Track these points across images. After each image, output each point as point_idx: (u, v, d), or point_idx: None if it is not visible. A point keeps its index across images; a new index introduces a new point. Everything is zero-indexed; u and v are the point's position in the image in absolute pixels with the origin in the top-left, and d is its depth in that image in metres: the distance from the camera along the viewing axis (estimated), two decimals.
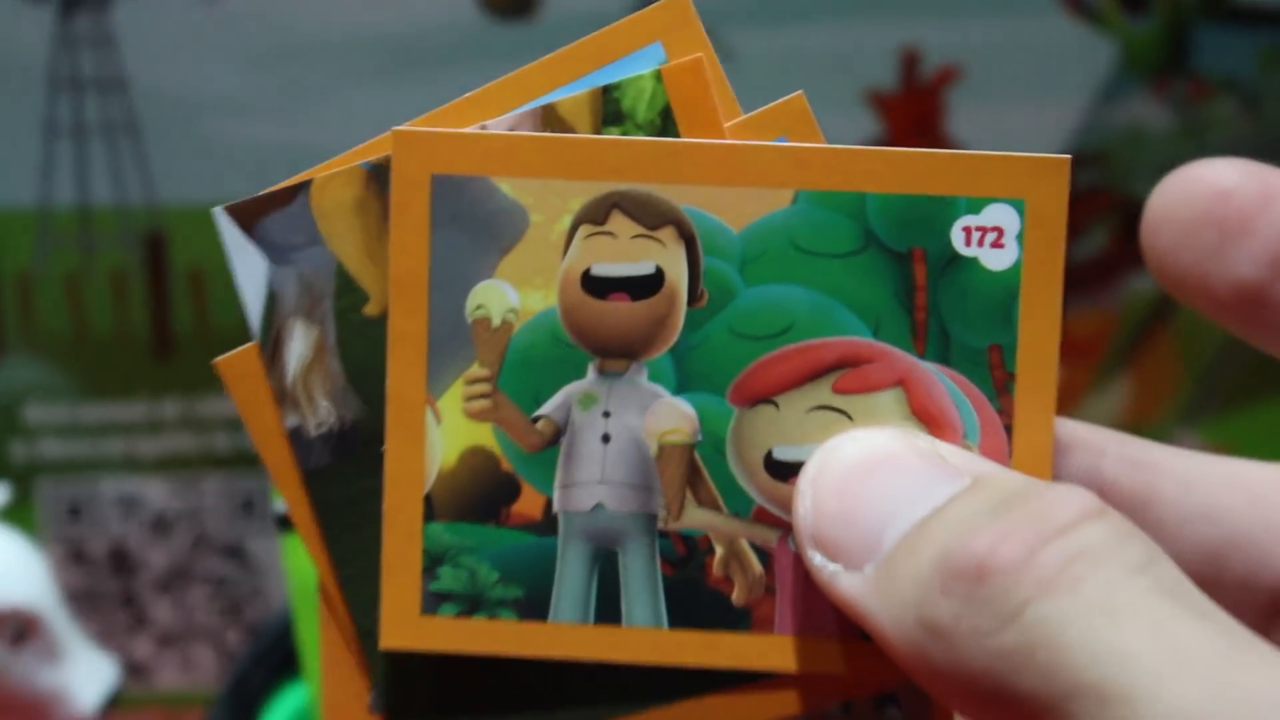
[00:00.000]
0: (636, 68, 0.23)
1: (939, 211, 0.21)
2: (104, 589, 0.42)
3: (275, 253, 0.22)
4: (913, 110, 0.37)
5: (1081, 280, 0.38)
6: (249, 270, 0.23)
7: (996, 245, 0.21)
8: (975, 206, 0.20)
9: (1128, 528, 0.19)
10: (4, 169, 0.37)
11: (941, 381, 0.21)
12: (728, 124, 0.22)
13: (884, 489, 0.20)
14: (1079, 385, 0.38)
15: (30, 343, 0.39)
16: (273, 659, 0.40)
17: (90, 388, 0.41)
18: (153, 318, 0.40)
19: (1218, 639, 0.18)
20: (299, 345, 0.23)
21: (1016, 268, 0.21)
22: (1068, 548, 0.19)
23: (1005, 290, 0.21)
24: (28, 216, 0.37)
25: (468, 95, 0.23)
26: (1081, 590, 0.18)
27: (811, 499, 0.21)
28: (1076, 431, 0.23)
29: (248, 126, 0.38)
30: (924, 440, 0.21)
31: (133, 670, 0.43)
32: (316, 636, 0.24)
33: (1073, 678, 0.18)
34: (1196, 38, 0.36)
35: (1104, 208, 0.36)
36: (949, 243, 0.21)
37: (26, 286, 0.39)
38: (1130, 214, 0.36)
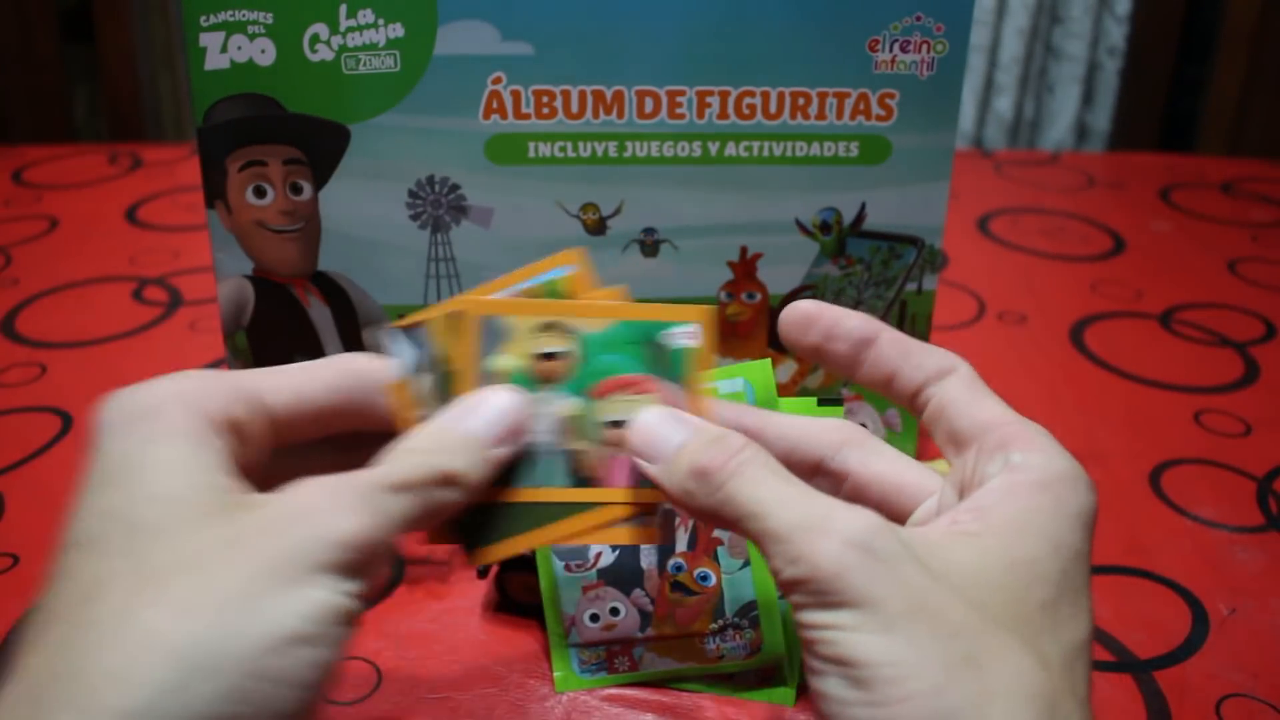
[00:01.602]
0: (561, 273, 0.35)
1: (663, 325, 0.34)
2: None
3: (410, 346, 0.34)
4: (744, 267, 0.53)
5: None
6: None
7: (692, 339, 0.34)
8: (681, 325, 0.34)
9: (757, 447, 0.30)
10: (412, 290, 0.53)
11: (671, 389, 0.34)
12: (593, 296, 0.35)
13: (657, 432, 0.32)
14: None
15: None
16: None
17: None
18: None
19: (795, 488, 0.29)
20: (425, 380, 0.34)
21: (697, 347, 0.34)
22: (737, 459, 0.30)
23: (691, 357, 0.34)
24: (422, 306, 0.51)
25: (492, 281, 0.34)
26: (743, 475, 0.29)
27: (632, 435, 0.33)
28: (722, 406, 0.34)
29: (494, 274, 0.47)
30: (667, 410, 0.33)
31: None
32: None
33: (743, 509, 0.29)
34: (848, 241, 0.52)
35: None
36: (672, 339, 0.34)
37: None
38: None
